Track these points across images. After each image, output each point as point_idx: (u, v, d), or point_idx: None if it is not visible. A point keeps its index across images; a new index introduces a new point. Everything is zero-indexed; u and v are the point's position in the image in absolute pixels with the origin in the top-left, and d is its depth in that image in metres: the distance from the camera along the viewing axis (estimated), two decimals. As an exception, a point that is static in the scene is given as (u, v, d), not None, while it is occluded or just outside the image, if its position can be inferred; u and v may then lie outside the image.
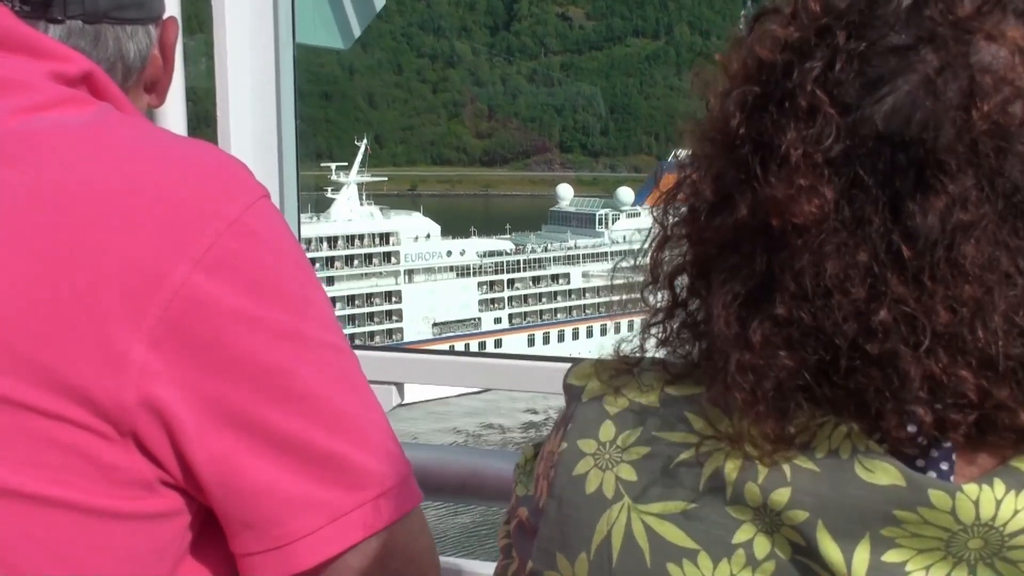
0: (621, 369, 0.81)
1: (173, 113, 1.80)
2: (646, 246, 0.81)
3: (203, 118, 1.99)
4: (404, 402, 1.93)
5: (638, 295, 0.82)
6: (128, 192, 0.88)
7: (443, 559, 1.58)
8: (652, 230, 0.81)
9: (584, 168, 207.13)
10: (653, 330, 0.81)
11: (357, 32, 2.32)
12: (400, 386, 1.93)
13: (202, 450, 0.89)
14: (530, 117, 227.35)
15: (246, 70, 1.91)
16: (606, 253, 61.61)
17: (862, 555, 0.67)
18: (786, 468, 0.69)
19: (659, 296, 0.81)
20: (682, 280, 0.79)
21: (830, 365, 0.67)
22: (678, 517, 0.73)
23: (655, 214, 0.81)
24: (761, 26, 0.74)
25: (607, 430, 0.78)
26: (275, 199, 1.96)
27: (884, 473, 0.66)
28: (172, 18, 1.17)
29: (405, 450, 1.01)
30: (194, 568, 0.96)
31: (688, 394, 0.76)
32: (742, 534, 0.70)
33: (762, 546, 0.70)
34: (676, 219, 0.79)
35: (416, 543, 1.02)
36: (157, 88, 1.17)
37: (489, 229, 68.66)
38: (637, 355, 0.82)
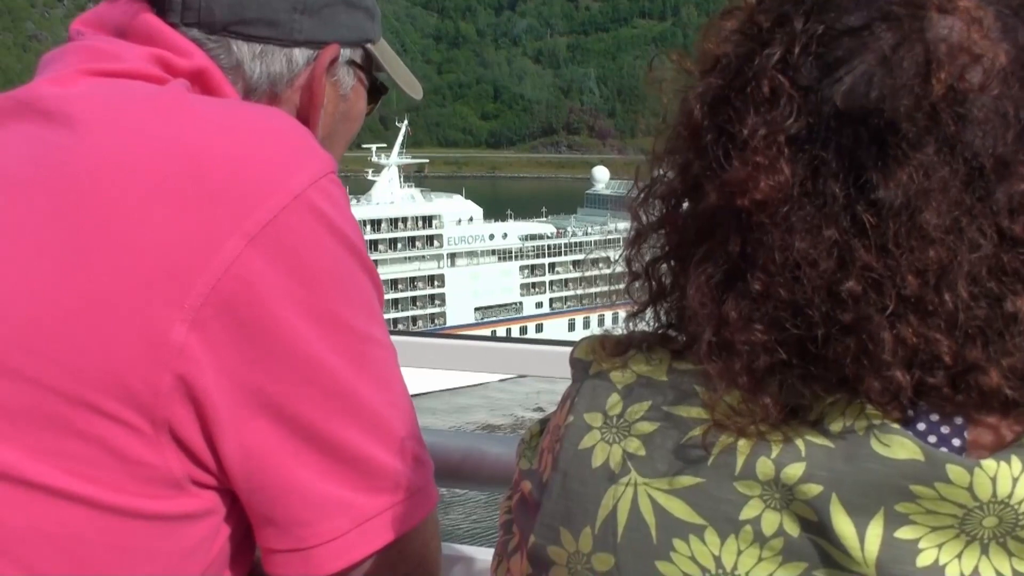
0: (627, 344, 0.80)
1: None
2: (622, 243, 0.82)
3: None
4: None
5: (619, 287, 0.82)
6: (181, 159, 0.83)
7: (455, 546, 1.57)
8: (631, 226, 0.81)
9: (591, 150, 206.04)
10: (643, 316, 0.81)
11: None
12: None
13: (234, 440, 0.84)
14: (536, 99, 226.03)
15: None
16: (646, 236, 60.61)
17: (875, 531, 0.65)
18: (800, 444, 0.68)
19: (642, 289, 0.81)
20: (660, 270, 0.80)
21: (809, 340, 0.67)
22: (685, 492, 0.71)
23: (631, 209, 0.81)
24: (726, 19, 0.76)
25: (614, 403, 0.76)
26: None
27: (901, 447, 0.66)
28: (333, 47, 1.07)
29: None
30: (228, 569, 0.92)
31: (697, 369, 0.75)
32: (749, 510, 0.69)
33: (770, 523, 0.68)
34: (652, 212, 0.80)
35: (428, 547, 1.00)
36: (307, 124, 1.06)
37: (500, 212, 67.56)
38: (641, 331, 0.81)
